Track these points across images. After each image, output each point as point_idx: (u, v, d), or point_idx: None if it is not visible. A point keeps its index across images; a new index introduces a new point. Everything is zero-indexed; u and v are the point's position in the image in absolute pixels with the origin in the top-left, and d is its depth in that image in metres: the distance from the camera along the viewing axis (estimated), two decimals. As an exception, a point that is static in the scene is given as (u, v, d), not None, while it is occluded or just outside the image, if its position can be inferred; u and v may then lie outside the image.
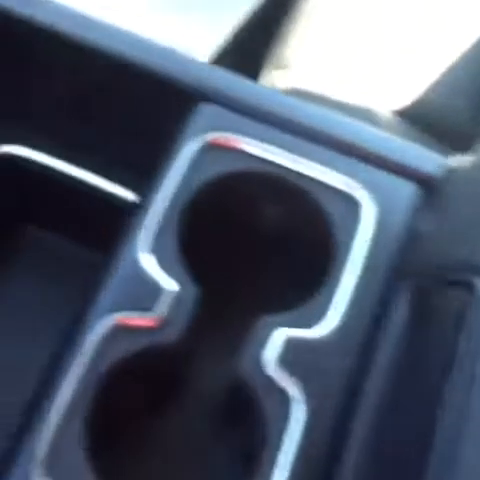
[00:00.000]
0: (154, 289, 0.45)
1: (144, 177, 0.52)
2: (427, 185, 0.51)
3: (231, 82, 0.51)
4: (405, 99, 0.73)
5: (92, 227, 0.58)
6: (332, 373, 0.45)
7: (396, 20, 0.75)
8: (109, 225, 0.55)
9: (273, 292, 0.52)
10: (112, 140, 0.55)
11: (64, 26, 0.52)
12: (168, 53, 0.53)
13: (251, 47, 0.77)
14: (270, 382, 0.44)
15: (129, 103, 0.54)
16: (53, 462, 0.41)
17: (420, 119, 0.71)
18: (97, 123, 0.55)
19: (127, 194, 0.57)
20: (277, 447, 0.43)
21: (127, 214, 0.56)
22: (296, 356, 0.45)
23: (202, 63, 0.52)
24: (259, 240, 0.52)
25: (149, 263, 0.46)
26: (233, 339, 0.48)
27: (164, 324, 0.45)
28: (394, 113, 0.72)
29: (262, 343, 0.45)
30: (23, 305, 0.55)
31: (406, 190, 0.51)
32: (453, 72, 0.73)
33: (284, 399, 0.44)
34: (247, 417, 0.47)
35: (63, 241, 0.58)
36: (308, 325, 0.45)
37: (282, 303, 0.49)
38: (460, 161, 0.51)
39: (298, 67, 0.67)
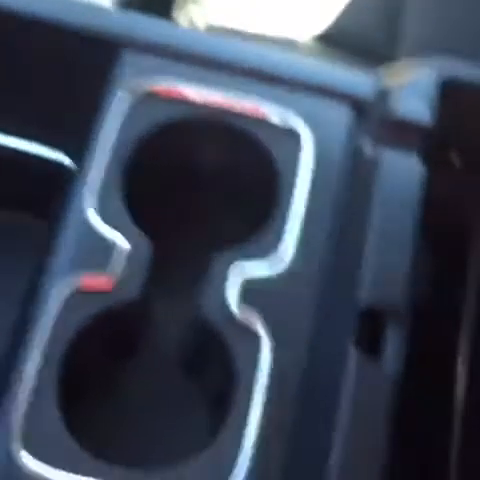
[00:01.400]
0: (107, 248, 0.45)
1: (78, 138, 0.51)
2: (361, 107, 0.51)
3: (150, 26, 0.50)
4: (324, 23, 0.72)
5: (29, 194, 0.56)
6: (294, 307, 0.45)
7: None
8: (47, 191, 0.54)
9: (224, 231, 0.51)
10: (39, 103, 0.53)
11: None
12: (77, 5, 0.52)
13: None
14: (234, 320, 0.44)
15: (48, 61, 0.52)
16: (31, 434, 0.41)
17: (340, 41, 0.71)
18: (17, 86, 0.54)
19: (62, 158, 0.55)
20: (250, 385, 0.43)
21: (65, 178, 0.55)
22: (256, 291, 0.45)
23: (115, 10, 0.50)
24: (204, 183, 0.51)
25: (97, 222, 0.45)
26: (190, 282, 0.48)
27: (120, 284, 0.44)
28: (315, 38, 0.71)
29: (221, 280, 0.44)
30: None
31: (341, 114, 0.51)
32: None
33: (251, 336, 0.44)
34: (214, 358, 0.47)
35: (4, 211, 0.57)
36: (263, 256, 0.45)
37: (234, 240, 0.48)
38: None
39: (213, 2, 0.66)
